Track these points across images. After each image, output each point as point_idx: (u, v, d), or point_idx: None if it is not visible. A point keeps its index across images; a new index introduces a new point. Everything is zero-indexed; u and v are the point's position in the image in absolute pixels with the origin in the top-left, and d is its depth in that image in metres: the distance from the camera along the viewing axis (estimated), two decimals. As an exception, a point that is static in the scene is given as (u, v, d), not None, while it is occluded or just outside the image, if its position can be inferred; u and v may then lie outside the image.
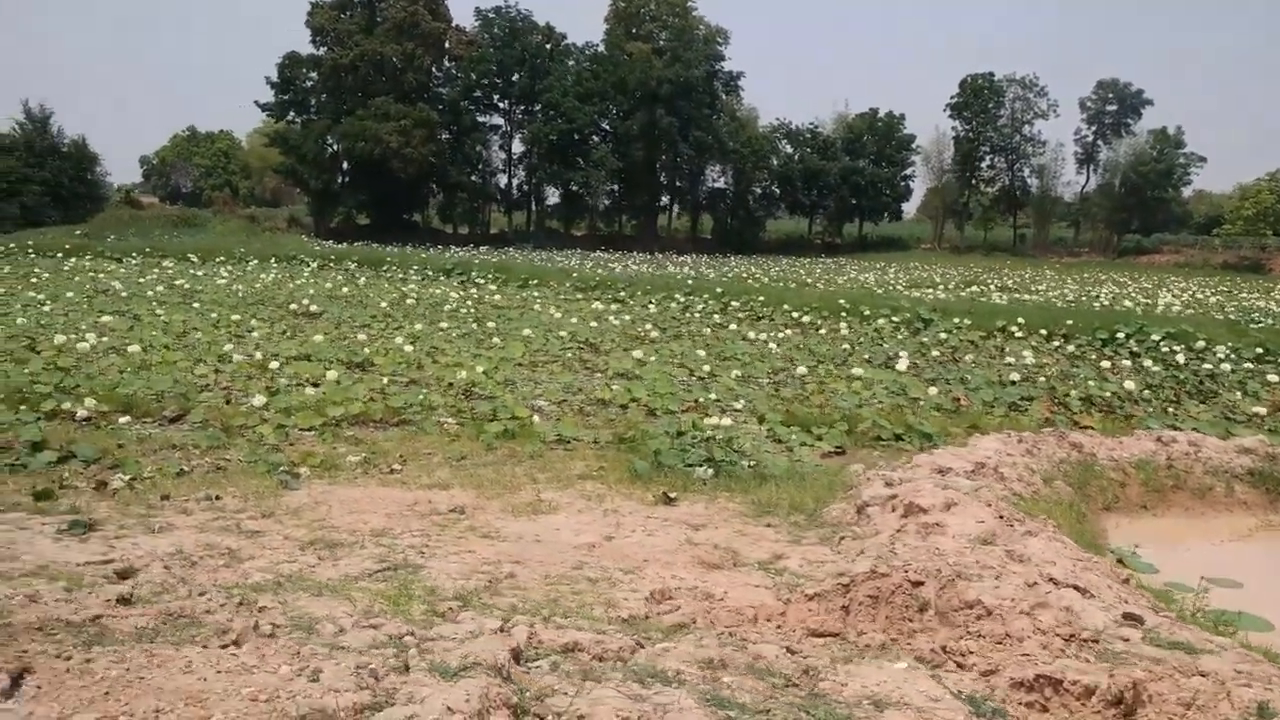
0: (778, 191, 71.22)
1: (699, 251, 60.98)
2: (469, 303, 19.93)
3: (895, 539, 5.07)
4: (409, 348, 12.64)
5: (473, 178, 65.33)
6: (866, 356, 13.84)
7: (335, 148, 59.23)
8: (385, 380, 10.28)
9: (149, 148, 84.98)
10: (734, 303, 20.34)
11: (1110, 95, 74.80)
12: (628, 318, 17.45)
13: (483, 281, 25.70)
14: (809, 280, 31.31)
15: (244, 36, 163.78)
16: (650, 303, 22.06)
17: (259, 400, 8.26)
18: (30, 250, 31.14)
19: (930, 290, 27.78)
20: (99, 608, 3.28)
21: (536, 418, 8.89)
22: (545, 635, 3.55)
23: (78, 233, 47.71)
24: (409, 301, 19.60)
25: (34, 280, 20.72)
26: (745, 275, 32.71)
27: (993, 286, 31.31)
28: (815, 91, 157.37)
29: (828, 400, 10.09)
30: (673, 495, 6.37)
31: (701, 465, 7.23)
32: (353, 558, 4.76)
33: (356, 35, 59.60)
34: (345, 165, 60.45)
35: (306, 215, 64.87)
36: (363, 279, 25.45)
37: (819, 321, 18.12)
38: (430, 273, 28.69)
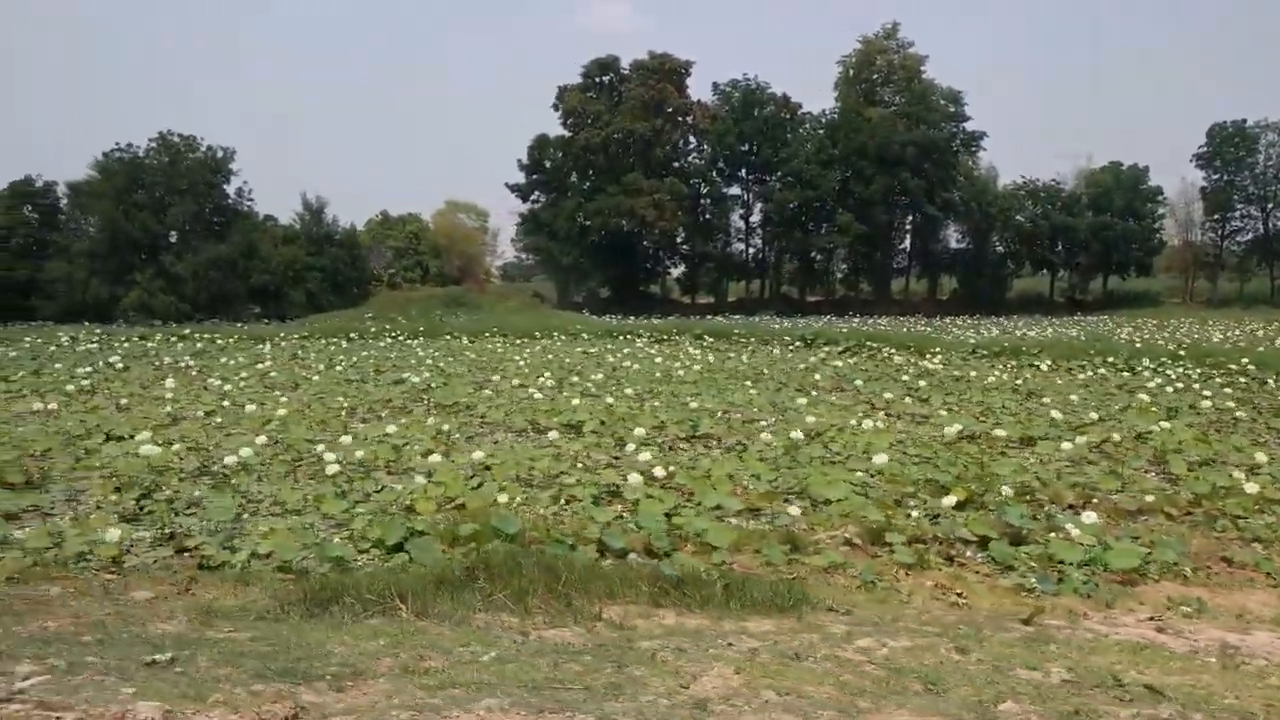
0: (1020, 249, 68.87)
1: (942, 314, 59.12)
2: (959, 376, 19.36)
3: None
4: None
5: (711, 247, 65.94)
6: None
7: (585, 223, 60.77)
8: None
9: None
10: (1238, 365, 18.91)
11: (1376, 133, 69.69)
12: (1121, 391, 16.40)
13: (889, 353, 24.76)
14: (1185, 338, 29.38)
15: (422, 126, 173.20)
16: (1080, 369, 20.83)
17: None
18: (395, 335, 32.52)
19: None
20: None
21: None
22: None
23: (369, 316, 50.32)
24: (894, 375, 19.14)
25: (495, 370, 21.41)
26: (1097, 336, 31.05)
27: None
28: (1049, 148, 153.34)
29: None
30: None
31: None
32: None
33: (604, 115, 61.57)
34: (592, 240, 61.89)
35: (551, 291, 66.81)
36: (751, 354, 25.30)
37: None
38: (792, 343, 28.33)
